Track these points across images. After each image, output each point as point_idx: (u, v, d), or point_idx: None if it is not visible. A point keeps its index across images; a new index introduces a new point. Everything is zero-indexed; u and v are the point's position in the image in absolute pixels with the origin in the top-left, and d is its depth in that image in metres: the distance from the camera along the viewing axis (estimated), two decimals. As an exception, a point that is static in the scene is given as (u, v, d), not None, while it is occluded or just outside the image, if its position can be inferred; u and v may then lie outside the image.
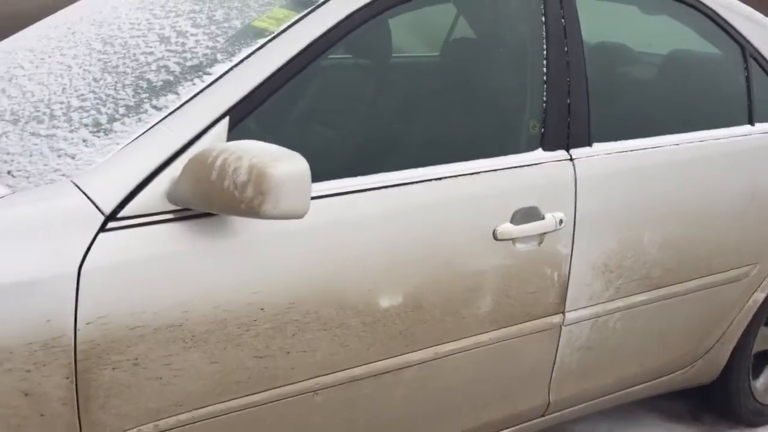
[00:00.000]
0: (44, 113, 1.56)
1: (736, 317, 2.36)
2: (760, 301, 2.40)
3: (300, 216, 1.32)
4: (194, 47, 1.61)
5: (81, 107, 1.54)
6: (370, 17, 1.65)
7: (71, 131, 1.48)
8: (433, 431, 1.87)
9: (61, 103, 1.58)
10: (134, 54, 1.67)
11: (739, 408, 2.58)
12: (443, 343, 1.73)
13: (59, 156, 1.42)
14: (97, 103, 1.54)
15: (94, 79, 1.63)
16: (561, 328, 1.94)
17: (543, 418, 2.08)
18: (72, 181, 1.34)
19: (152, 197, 1.37)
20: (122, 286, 1.33)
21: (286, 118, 1.65)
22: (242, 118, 1.47)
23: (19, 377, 1.26)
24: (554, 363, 1.98)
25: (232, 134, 1.45)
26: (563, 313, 1.92)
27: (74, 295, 1.28)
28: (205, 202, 1.34)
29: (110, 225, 1.33)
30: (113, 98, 1.54)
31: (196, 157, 1.36)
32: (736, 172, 2.22)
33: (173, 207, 1.38)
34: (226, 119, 1.45)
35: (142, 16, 1.83)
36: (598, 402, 2.20)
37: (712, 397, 2.58)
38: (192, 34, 1.66)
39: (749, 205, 2.25)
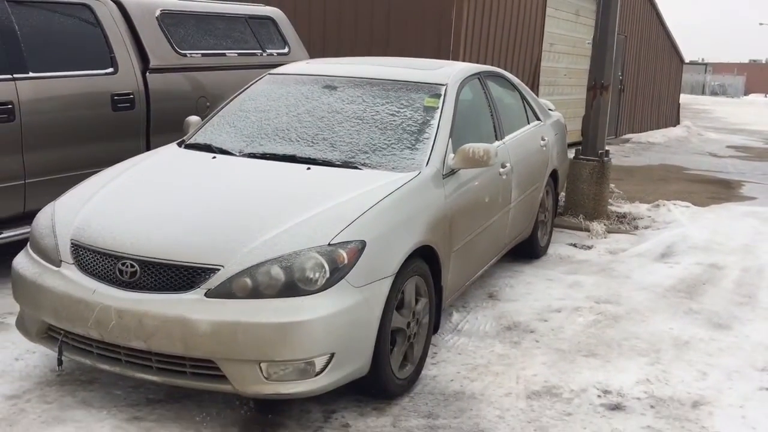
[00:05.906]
0: (373, 147, 3.96)
1: (537, 204, 5.60)
2: (541, 197, 5.67)
3: (494, 164, 4.06)
4: (413, 116, 4.16)
5: (391, 143, 3.97)
6: (461, 89, 4.43)
7: (400, 150, 3.94)
8: (493, 252, 4.70)
9: (378, 143, 3.98)
10: (385, 122, 4.12)
11: (537, 249, 5.85)
12: (494, 216, 4.57)
13: (406, 159, 3.90)
14: (398, 140, 3.98)
15: (380, 133, 4.05)
16: (510, 210, 4.89)
17: (504, 250, 5.04)
18: (434, 166, 3.86)
19: (448, 167, 3.96)
20: (449, 195, 3.89)
21: (458, 133, 4.25)
22: (450, 136, 4.12)
23: (444, 227, 3.78)
24: (508, 225, 4.93)
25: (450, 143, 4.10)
26: (510, 203, 4.88)
27: (445, 201, 3.84)
28: (468, 164, 3.96)
29: (444, 180, 3.90)
30: (402, 138, 4.00)
31: (460, 151, 3.96)
32: (533, 141, 5.45)
33: (450, 170, 3.98)
34: (450, 138, 4.09)
35: (353, 108, 4.24)
36: (514, 241, 5.24)
37: (525, 245, 5.74)
38: (403, 111, 4.18)
39: (536, 155, 5.49)
